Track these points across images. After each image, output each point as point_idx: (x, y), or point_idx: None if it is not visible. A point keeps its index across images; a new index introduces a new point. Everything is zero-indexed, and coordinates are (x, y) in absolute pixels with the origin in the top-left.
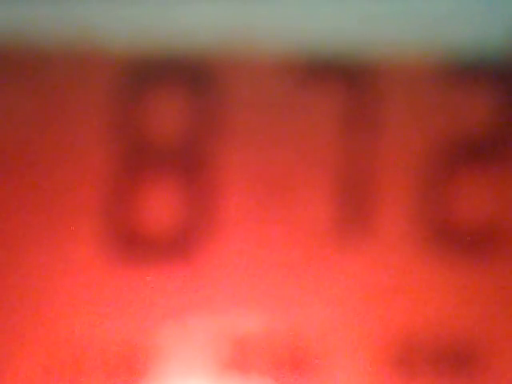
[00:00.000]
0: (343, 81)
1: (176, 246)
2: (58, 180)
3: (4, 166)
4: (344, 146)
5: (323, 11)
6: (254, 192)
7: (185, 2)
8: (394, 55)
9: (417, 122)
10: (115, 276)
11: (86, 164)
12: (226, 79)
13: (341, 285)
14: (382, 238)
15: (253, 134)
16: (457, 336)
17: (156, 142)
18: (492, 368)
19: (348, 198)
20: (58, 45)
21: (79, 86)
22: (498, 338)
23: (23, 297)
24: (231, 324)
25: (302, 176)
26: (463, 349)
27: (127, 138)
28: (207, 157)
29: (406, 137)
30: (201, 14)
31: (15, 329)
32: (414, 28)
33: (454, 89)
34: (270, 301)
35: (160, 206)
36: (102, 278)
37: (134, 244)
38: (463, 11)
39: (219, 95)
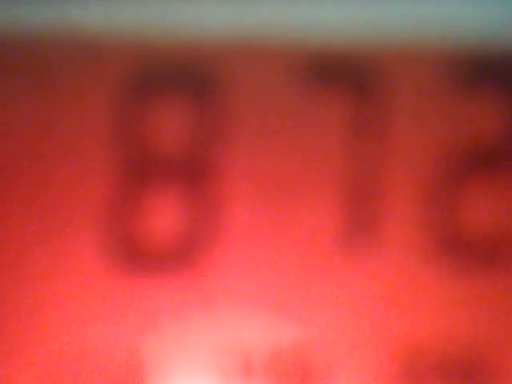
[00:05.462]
0: (350, 86)
1: (180, 255)
2: (60, 189)
3: (6, 172)
4: (350, 154)
5: (330, 17)
6: (259, 200)
7: (189, 8)
8: (402, 60)
9: (425, 129)
10: (119, 285)
11: (89, 173)
12: (230, 86)
13: (347, 296)
14: (389, 247)
15: (258, 142)
16: (464, 347)
17: (160, 149)
18: (500, 379)
19: (354, 206)
20: (61, 50)
21: (82, 93)
22: (506, 348)
23: (23, 306)
24: (236, 334)
25: (308, 184)
26: (471, 360)
27: (131, 146)
28: (212, 164)
29: (413, 144)
30: (205, 20)
31: (14, 336)
32: (422, 33)
33: (463, 95)
34: (275, 311)
35: (164, 215)
36: (105, 287)
37: (137, 253)
38: (473, 14)
39: (224, 102)
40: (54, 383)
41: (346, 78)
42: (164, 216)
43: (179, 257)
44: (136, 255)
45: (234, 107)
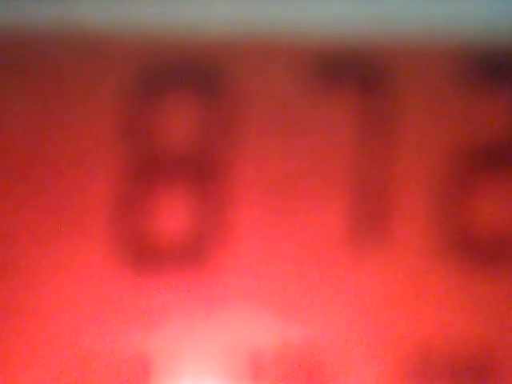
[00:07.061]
0: (359, 83)
1: (188, 254)
2: (68, 187)
3: (14, 171)
4: (359, 152)
5: (338, 13)
6: (267, 200)
7: (196, 5)
8: (410, 57)
9: (433, 127)
10: (126, 284)
11: (96, 171)
12: (238, 83)
13: (355, 296)
14: (397, 246)
15: (266, 140)
16: (474, 347)
17: (167, 148)
18: (509, 379)
19: (363, 207)
20: (67, 48)
21: (89, 91)
22: None
23: (28, 304)
24: (243, 334)
25: (316, 184)
26: (479, 359)
27: (138, 144)
28: (219, 164)
29: (422, 144)
30: (212, 17)
31: (18, 335)
32: (431, 29)
33: (472, 93)
34: (282, 310)
35: (172, 213)
36: (112, 286)
37: (144, 253)
38: (482, 10)
39: (232, 99)
40: (58, 382)
41: (354, 74)
42: (172, 214)
43: (187, 256)
44: (143, 254)
45: (242, 105)
